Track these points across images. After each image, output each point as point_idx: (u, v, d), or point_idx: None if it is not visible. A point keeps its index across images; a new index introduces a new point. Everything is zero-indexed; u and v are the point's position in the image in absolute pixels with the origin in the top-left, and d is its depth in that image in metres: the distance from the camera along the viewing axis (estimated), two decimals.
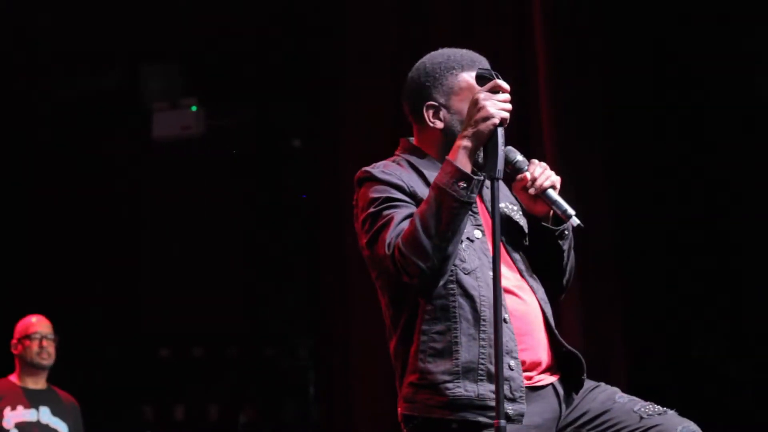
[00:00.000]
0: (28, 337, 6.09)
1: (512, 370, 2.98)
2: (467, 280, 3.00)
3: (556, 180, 3.10)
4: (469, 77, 3.13)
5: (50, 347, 6.11)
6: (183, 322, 8.43)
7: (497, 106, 2.97)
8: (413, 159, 3.16)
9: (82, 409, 6.22)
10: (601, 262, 5.86)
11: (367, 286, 3.32)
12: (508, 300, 3.03)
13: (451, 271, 2.98)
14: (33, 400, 6.04)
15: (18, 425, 5.95)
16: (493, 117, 2.95)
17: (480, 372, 2.97)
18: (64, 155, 8.16)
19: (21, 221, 8.15)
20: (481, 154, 2.98)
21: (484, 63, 3.18)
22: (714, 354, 6.20)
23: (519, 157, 3.11)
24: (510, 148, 3.08)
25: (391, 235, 2.96)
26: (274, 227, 8.48)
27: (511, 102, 3.00)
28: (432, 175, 3.03)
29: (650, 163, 6.08)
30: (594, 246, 5.58)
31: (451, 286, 2.99)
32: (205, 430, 8.66)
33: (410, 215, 2.97)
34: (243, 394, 8.70)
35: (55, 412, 6.07)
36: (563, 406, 3.10)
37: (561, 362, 3.13)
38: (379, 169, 3.09)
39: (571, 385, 3.13)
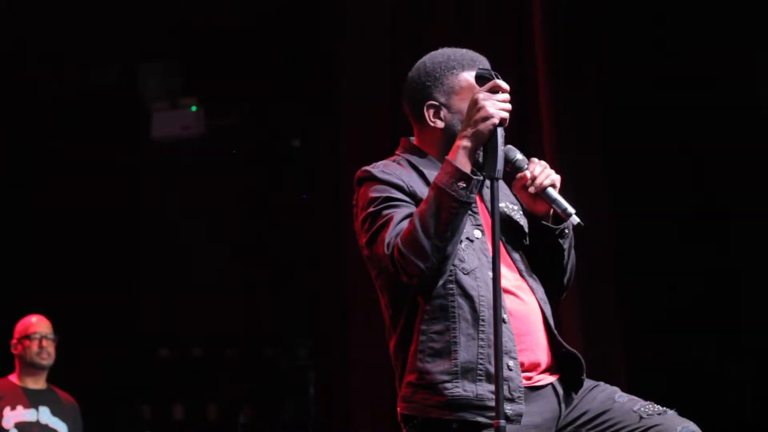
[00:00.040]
0: (27, 337, 6.09)
1: (511, 370, 2.97)
2: (466, 280, 3.00)
3: (556, 178, 3.10)
4: (469, 77, 3.12)
5: (50, 347, 6.11)
6: (182, 322, 8.44)
7: (497, 106, 2.96)
8: (413, 159, 3.16)
9: (81, 409, 6.22)
10: (601, 263, 5.85)
11: (367, 286, 3.32)
12: (507, 300, 3.02)
13: (451, 271, 2.97)
14: (33, 400, 6.04)
15: (18, 425, 5.95)
16: (492, 117, 2.95)
17: (479, 372, 2.96)
18: (63, 155, 8.16)
19: (21, 221, 8.15)
20: (481, 154, 2.98)
21: (484, 63, 3.18)
22: (714, 354, 6.20)
23: (519, 156, 3.11)
24: (510, 146, 3.09)
25: (391, 234, 2.96)
26: (274, 227, 8.47)
27: (510, 102, 3.00)
28: (432, 174, 3.03)
29: (650, 163, 6.07)
30: (594, 246, 5.57)
31: (450, 286, 2.99)
32: (205, 430, 8.67)
33: (410, 215, 2.97)
34: (242, 394, 8.70)
35: (55, 412, 6.07)
36: (563, 405, 3.10)
37: (560, 362, 3.12)
38: (379, 168, 3.09)
39: (570, 384, 3.12)
